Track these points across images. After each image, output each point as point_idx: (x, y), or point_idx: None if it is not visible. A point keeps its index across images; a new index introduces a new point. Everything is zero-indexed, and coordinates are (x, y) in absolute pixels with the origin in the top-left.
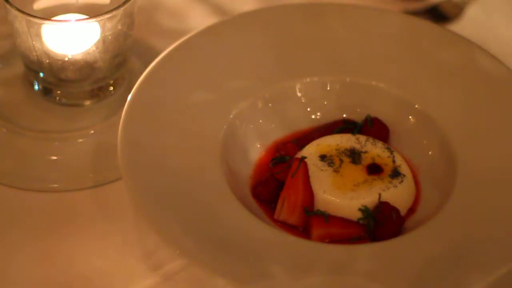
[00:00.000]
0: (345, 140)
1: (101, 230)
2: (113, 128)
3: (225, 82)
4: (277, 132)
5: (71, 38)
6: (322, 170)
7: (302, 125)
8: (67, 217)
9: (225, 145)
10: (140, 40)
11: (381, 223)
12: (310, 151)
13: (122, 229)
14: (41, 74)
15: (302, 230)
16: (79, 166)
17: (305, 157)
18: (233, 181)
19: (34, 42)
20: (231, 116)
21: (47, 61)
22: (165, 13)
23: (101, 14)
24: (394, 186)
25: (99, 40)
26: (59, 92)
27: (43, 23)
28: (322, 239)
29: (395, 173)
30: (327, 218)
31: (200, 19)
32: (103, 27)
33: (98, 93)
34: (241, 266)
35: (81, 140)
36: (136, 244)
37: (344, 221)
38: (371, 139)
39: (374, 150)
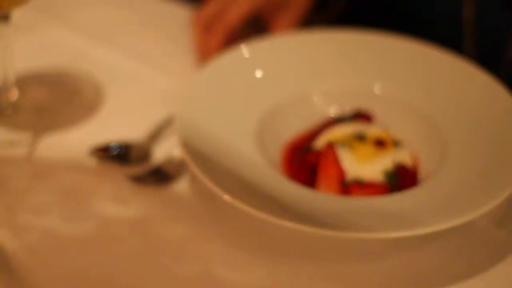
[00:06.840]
0: (348, 128)
1: None
2: None
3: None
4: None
5: None
6: (341, 150)
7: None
8: None
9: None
10: None
11: (402, 179)
12: (326, 140)
13: None
14: None
15: None
16: None
17: (332, 142)
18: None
19: None
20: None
21: None
22: None
23: None
24: (401, 150)
25: None
26: None
27: None
28: None
29: (396, 142)
30: (362, 182)
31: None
32: None
33: None
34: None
35: None
36: None
37: (374, 184)
38: (364, 124)
39: (373, 129)
